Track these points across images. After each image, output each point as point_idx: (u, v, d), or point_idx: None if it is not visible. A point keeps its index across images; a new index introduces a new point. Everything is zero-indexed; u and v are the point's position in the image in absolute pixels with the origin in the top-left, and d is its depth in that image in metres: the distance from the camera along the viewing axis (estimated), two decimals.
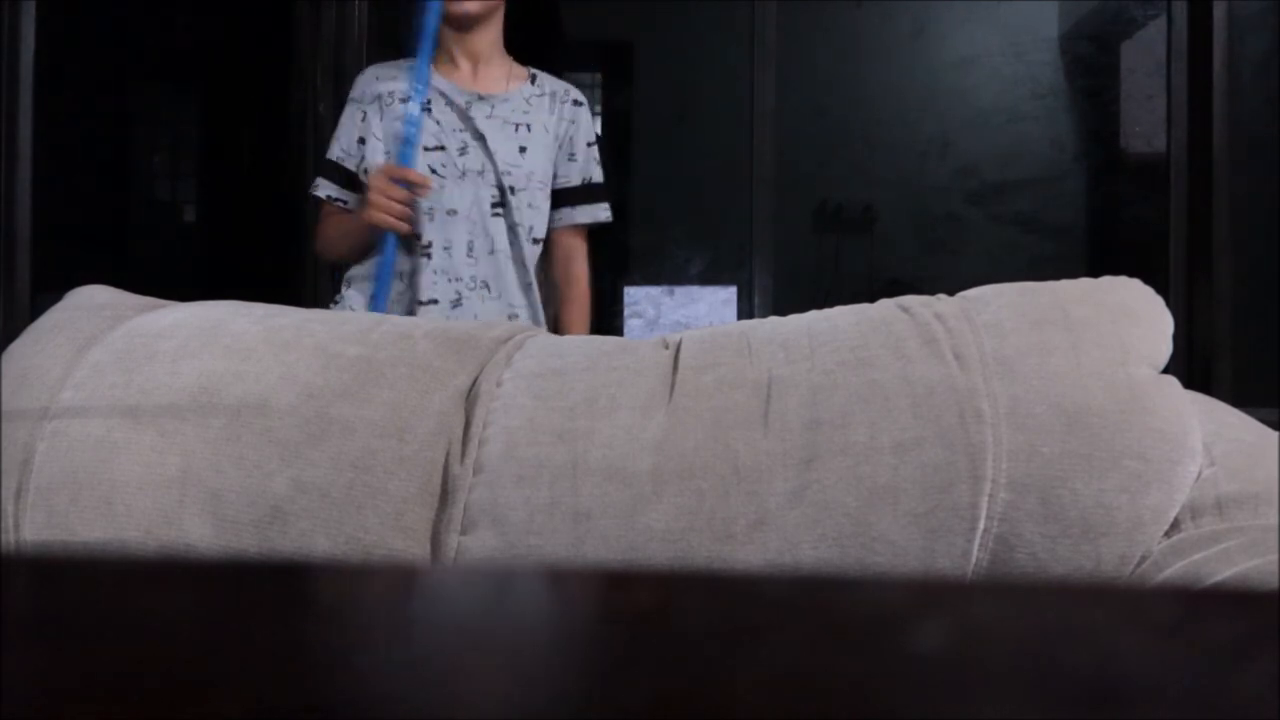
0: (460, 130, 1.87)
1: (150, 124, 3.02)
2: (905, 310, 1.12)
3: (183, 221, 3.09)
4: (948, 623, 0.27)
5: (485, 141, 1.86)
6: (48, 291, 1.65)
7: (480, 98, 1.90)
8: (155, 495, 1.05)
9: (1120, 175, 2.65)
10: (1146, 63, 2.50)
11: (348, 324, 1.19)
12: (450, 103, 1.88)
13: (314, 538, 1.03)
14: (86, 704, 0.21)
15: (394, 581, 0.33)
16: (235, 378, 1.10)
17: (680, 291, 2.46)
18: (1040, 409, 1.00)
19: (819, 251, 2.63)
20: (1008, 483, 0.98)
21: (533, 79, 1.95)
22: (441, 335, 1.17)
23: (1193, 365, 2.29)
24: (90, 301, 1.26)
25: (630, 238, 2.65)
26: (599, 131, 1.95)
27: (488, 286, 1.86)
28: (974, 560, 0.98)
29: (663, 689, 0.22)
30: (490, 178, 1.85)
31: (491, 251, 1.85)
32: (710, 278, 2.52)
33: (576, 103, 1.97)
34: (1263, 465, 1.02)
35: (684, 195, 2.63)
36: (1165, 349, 1.07)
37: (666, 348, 1.15)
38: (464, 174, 1.85)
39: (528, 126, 1.90)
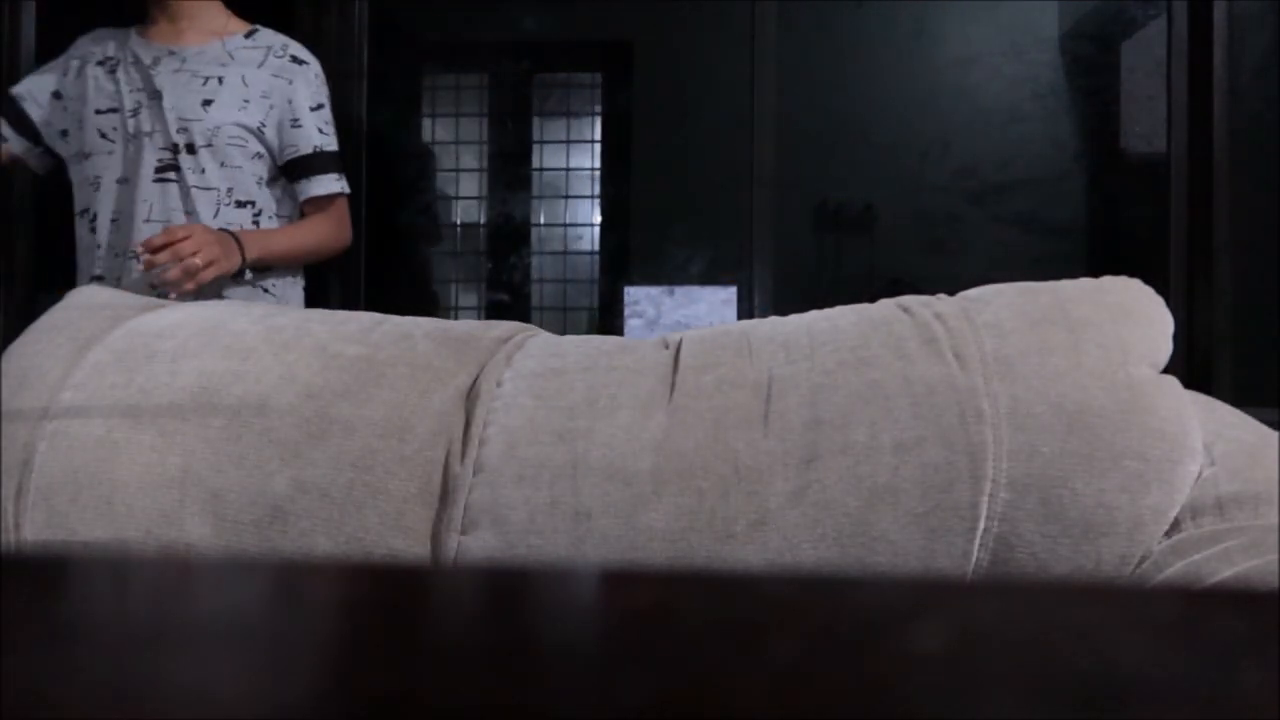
0: (138, 90, 1.75)
1: None
2: (905, 310, 1.12)
3: None
4: (947, 622, 0.27)
5: (161, 99, 1.73)
6: (48, 291, 1.65)
7: (171, 53, 1.76)
8: (155, 495, 1.05)
9: (1120, 175, 2.65)
10: (1146, 63, 2.50)
11: (348, 324, 1.19)
12: (136, 61, 1.76)
13: (314, 537, 1.03)
14: (87, 704, 0.21)
15: (394, 581, 0.33)
16: (235, 378, 1.10)
17: (680, 291, 2.46)
18: (1040, 409, 1.00)
19: (819, 251, 2.63)
20: (1008, 482, 0.98)
21: (251, 33, 1.81)
22: (442, 335, 1.17)
23: (1193, 365, 2.29)
24: (90, 301, 1.26)
25: (630, 238, 2.64)
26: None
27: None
28: (974, 560, 0.98)
29: (663, 689, 0.22)
30: (159, 139, 1.72)
31: (166, 221, 1.71)
32: (710, 278, 2.51)
33: (296, 60, 1.79)
34: (1263, 465, 1.01)
35: (684, 195, 2.62)
36: (1165, 349, 1.07)
37: (666, 348, 1.15)
38: (134, 136, 1.73)
39: (219, 79, 1.75)
